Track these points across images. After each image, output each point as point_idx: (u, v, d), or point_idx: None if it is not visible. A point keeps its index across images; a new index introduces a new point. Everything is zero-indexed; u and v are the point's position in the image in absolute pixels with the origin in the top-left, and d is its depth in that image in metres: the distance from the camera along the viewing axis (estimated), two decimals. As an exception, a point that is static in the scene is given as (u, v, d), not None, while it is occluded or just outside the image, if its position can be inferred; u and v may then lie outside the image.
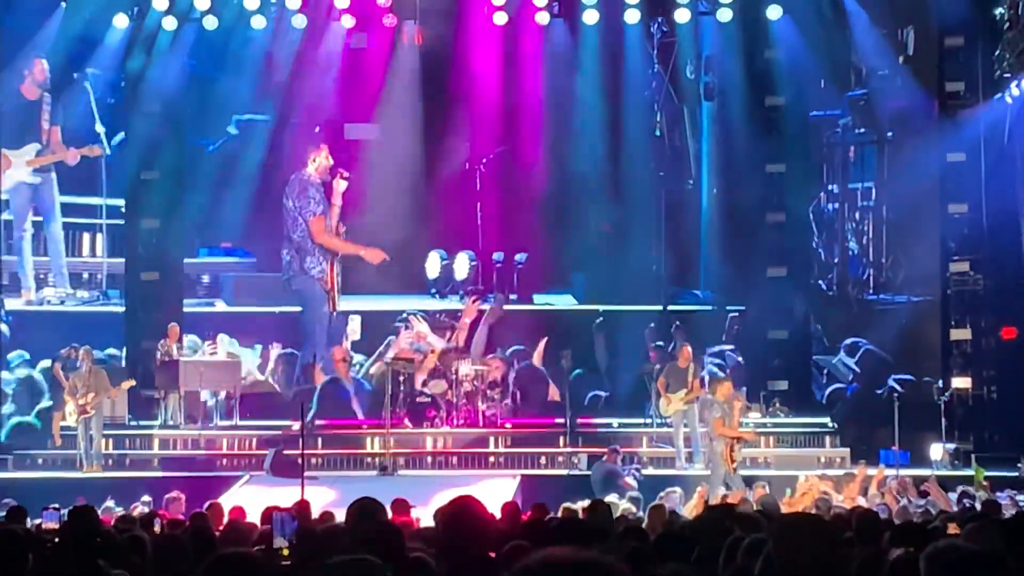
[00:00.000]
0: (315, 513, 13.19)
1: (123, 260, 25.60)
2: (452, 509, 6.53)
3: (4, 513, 14.62)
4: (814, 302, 26.30)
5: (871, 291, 27.35)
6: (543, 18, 25.51)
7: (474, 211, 26.60)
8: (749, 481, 20.58)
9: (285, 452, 21.28)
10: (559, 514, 13.76)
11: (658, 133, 26.63)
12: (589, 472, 21.33)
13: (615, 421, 23.77)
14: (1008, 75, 23.98)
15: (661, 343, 24.80)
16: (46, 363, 24.17)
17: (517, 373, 23.81)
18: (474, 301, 24.77)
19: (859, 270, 27.74)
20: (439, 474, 21.94)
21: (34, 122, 25.38)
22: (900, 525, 10.99)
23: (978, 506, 17.05)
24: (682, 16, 25.44)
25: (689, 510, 17.47)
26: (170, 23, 24.67)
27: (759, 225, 25.30)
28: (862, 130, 27.88)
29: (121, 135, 25.79)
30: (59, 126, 25.51)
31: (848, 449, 23.02)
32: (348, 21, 25.50)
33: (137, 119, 24.83)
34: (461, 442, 22.86)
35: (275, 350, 24.82)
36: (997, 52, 24.16)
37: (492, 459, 22.61)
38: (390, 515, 9.83)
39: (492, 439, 22.93)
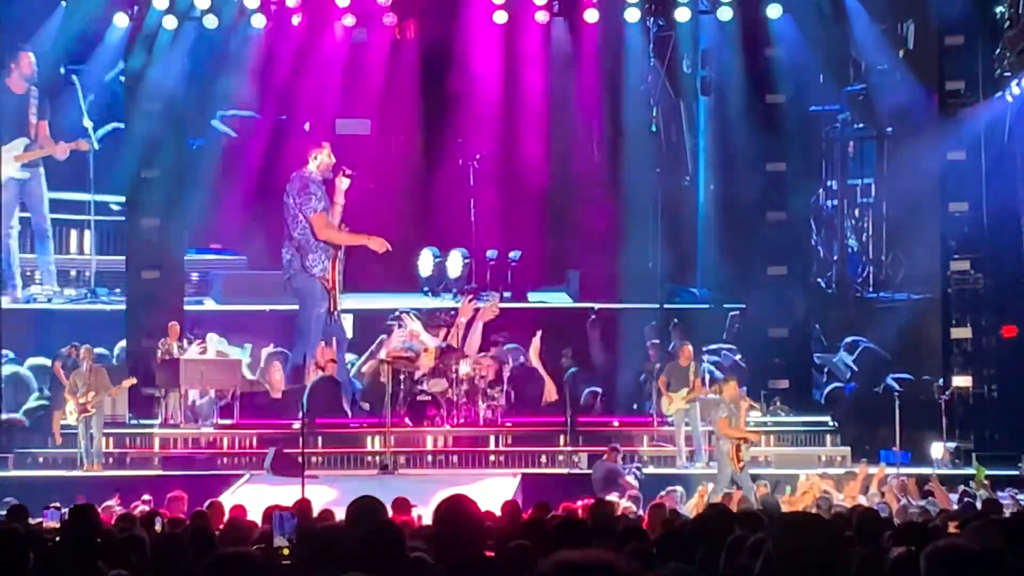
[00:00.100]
0: (315, 512, 13.17)
1: (112, 257, 25.57)
2: (444, 509, 6.52)
3: (5, 512, 14.59)
4: (813, 300, 26.28)
5: (871, 289, 27.32)
6: (543, 17, 25.53)
7: (467, 208, 26.46)
8: (751, 480, 20.54)
9: (285, 451, 21.25)
10: (559, 513, 13.74)
11: (654, 129, 26.47)
12: (590, 471, 21.33)
13: (615, 421, 23.77)
14: (1008, 74, 23.97)
15: (657, 340, 24.76)
16: (34, 360, 24.09)
17: (511, 372, 23.75)
18: (470, 300, 24.67)
19: (859, 268, 27.69)
20: (440, 473, 21.92)
21: (22, 117, 25.11)
22: (900, 524, 10.98)
23: (979, 505, 17.05)
24: (682, 15, 25.42)
25: (690, 509, 17.47)
26: (170, 22, 24.68)
27: (758, 223, 25.28)
28: (861, 125, 27.83)
29: (109, 127, 25.68)
30: (47, 120, 25.27)
31: (849, 448, 23.02)
32: (348, 20, 25.52)
33: (137, 117, 24.81)
34: (462, 441, 22.86)
35: (267, 349, 24.76)
36: (997, 51, 24.16)
37: (492, 458, 22.60)
38: (391, 514, 9.83)
39: (492, 438, 22.93)
